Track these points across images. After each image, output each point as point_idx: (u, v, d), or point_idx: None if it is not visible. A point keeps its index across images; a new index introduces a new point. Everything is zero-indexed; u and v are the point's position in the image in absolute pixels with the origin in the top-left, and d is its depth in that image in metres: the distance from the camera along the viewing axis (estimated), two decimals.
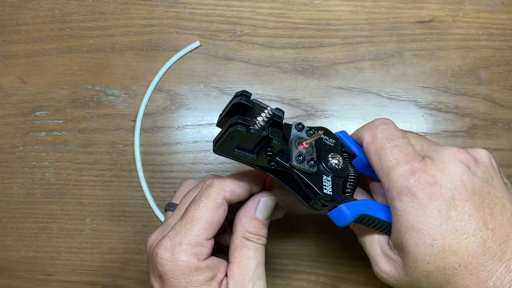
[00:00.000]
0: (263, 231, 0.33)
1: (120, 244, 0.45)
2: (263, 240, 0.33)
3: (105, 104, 0.46)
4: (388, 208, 0.32)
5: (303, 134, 0.33)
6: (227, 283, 0.32)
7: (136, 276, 0.45)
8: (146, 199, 0.45)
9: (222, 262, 0.33)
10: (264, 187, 0.34)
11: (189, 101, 0.46)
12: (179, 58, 0.46)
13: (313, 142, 0.33)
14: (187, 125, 0.45)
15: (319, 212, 0.44)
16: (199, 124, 0.45)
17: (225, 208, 0.32)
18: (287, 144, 0.32)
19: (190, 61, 0.46)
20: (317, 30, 0.45)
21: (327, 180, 0.32)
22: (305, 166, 0.31)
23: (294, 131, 0.33)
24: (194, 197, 0.32)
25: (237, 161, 0.32)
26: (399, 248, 0.31)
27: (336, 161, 0.33)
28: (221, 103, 0.45)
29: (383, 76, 0.45)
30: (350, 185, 0.34)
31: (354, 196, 0.34)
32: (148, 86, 0.46)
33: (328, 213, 0.33)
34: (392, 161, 0.31)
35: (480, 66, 0.44)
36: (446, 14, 0.45)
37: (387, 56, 0.45)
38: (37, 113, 0.46)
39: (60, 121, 0.46)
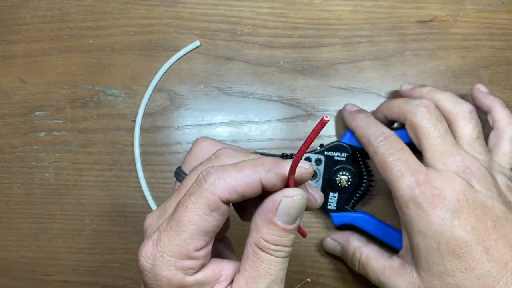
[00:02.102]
0: (285, 240, 0.26)
1: (120, 244, 0.45)
2: (284, 252, 0.26)
3: (104, 104, 0.46)
4: (381, 223, 0.41)
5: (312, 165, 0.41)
6: None
7: (136, 276, 0.45)
8: (146, 199, 0.45)
9: (227, 266, 0.26)
10: (289, 182, 0.25)
11: (189, 101, 0.46)
12: (179, 58, 0.46)
13: (322, 169, 0.41)
14: (187, 125, 0.45)
15: (319, 214, 0.44)
16: (199, 124, 0.45)
17: (222, 210, 0.25)
18: None
19: (190, 61, 0.46)
20: (317, 30, 0.45)
21: (333, 196, 0.41)
22: None
23: None
24: (185, 193, 0.25)
25: None
26: (412, 251, 0.34)
27: (345, 178, 0.40)
28: (221, 103, 0.45)
29: (383, 76, 0.45)
30: (353, 199, 0.42)
31: None
32: (148, 86, 0.46)
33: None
34: (397, 173, 0.34)
35: (481, 66, 0.44)
36: (447, 14, 0.45)
37: (387, 56, 0.45)
38: (37, 113, 0.46)
39: (60, 121, 0.46)
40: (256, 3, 0.46)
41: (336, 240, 0.41)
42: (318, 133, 0.23)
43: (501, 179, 0.35)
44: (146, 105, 0.46)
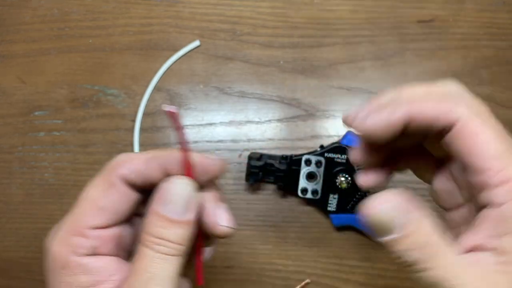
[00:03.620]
0: (169, 234, 0.22)
1: None
2: (168, 248, 0.22)
3: (104, 104, 0.46)
4: None
5: (312, 167, 0.41)
6: None
7: None
8: None
9: (120, 267, 0.23)
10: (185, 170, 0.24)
11: (189, 101, 0.46)
12: (179, 58, 0.46)
13: (322, 171, 0.41)
14: (187, 125, 0.45)
15: (319, 214, 0.44)
16: (198, 124, 0.45)
17: (121, 189, 0.24)
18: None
19: (190, 61, 0.46)
20: (318, 30, 0.45)
21: (333, 198, 0.41)
22: (309, 196, 0.41)
23: (303, 165, 0.41)
24: None
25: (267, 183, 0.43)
26: None
27: (345, 179, 0.41)
28: (221, 103, 0.45)
29: (384, 76, 0.44)
30: (353, 201, 0.42)
31: None
32: (147, 86, 0.46)
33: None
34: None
35: (481, 66, 0.44)
36: (447, 14, 0.45)
37: (388, 56, 0.45)
38: (36, 113, 0.46)
39: (59, 121, 0.46)
40: (256, 3, 0.46)
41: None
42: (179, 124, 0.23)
43: None
44: (146, 105, 0.46)
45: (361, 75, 0.45)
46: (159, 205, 0.23)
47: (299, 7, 0.45)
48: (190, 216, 0.23)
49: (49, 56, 0.47)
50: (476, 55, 0.44)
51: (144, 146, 0.45)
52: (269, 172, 0.42)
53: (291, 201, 0.44)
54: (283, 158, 0.42)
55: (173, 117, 0.23)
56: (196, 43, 0.46)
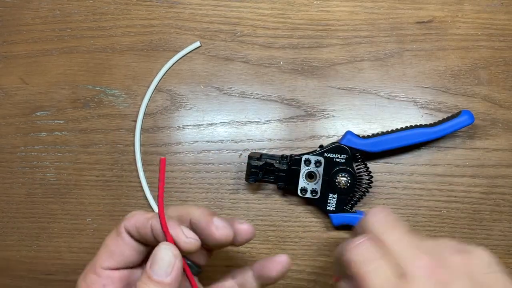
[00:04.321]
0: None
1: None
2: None
3: (105, 104, 0.46)
4: None
5: (312, 167, 0.41)
6: None
7: None
8: (146, 199, 0.45)
9: None
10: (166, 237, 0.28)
11: (189, 101, 0.46)
12: (180, 59, 0.46)
13: (321, 170, 0.41)
14: (187, 125, 0.46)
15: (319, 214, 0.44)
16: (199, 124, 0.46)
17: (124, 238, 0.29)
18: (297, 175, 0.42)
19: (190, 62, 0.46)
20: (317, 31, 0.45)
21: (333, 197, 0.42)
22: (308, 195, 0.42)
23: (302, 165, 0.41)
24: None
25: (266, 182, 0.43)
26: None
27: (345, 179, 0.41)
28: (221, 103, 0.46)
29: (383, 76, 0.45)
30: (352, 200, 0.42)
31: None
32: (148, 86, 0.46)
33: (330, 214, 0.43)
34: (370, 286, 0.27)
35: (479, 67, 0.44)
36: (446, 15, 0.45)
37: (387, 56, 0.45)
38: (38, 113, 0.46)
39: (61, 121, 0.46)
40: (256, 4, 0.46)
41: None
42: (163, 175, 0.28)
43: None
44: (147, 105, 0.46)
45: (360, 75, 0.45)
46: (151, 267, 0.27)
47: (298, 8, 0.46)
48: (171, 279, 0.27)
49: (50, 56, 0.47)
50: (474, 56, 0.45)
51: (145, 146, 0.46)
52: (269, 171, 0.42)
53: (290, 200, 0.44)
54: (283, 158, 0.42)
55: (162, 164, 0.28)
56: (197, 44, 0.46)
